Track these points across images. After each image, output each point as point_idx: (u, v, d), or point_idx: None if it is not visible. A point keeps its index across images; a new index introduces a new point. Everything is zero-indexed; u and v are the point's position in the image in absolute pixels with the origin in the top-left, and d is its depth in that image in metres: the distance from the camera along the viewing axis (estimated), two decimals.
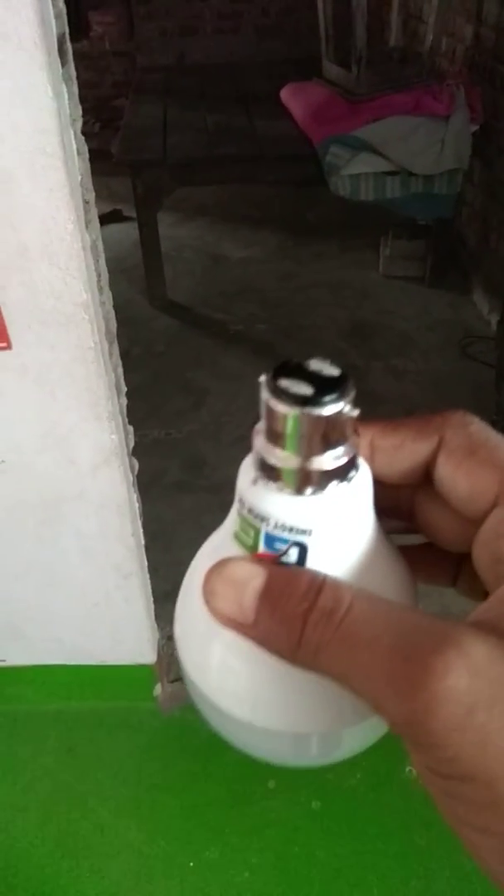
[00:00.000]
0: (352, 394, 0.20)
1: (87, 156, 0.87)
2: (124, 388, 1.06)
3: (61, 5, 0.78)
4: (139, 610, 1.25)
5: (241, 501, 0.22)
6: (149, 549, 1.23)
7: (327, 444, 0.20)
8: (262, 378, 0.20)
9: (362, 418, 0.21)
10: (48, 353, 0.93)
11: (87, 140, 0.86)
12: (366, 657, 0.18)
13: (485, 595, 0.22)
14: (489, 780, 0.17)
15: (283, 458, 0.21)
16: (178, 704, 1.37)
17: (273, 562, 0.21)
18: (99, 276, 0.93)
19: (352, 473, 0.21)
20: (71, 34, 0.82)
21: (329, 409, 0.20)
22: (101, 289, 0.94)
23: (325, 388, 0.20)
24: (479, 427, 0.23)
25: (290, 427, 0.20)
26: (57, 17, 0.76)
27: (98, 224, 0.92)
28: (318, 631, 0.19)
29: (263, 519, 0.21)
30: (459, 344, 2.52)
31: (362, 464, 0.22)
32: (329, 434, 0.20)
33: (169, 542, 1.54)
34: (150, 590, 1.26)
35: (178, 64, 4.41)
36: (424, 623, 0.19)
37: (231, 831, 1.22)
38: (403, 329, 2.65)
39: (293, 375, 0.20)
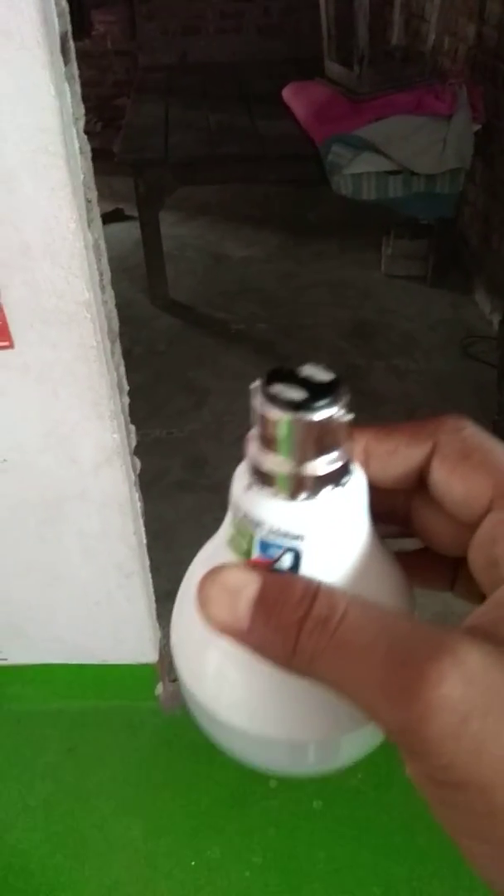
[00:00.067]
0: (344, 399, 0.20)
1: (89, 155, 0.87)
2: (126, 387, 1.06)
3: (64, 4, 0.78)
4: (141, 609, 1.25)
5: (236, 507, 0.22)
6: (150, 548, 1.23)
7: (320, 449, 0.20)
8: (255, 384, 0.20)
9: (356, 423, 0.22)
10: (50, 352, 0.93)
11: (88, 139, 0.86)
12: (360, 665, 0.18)
13: (482, 598, 0.22)
14: (484, 787, 0.17)
15: (277, 464, 0.21)
16: (179, 704, 1.37)
17: (267, 568, 0.21)
18: (101, 275, 0.92)
19: (345, 478, 0.21)
20: (73, 33, 0.81)
21: (321, 414, 0.20)
22: (103, 288, 0.94)
23: (317, 393, 0.20)
24: (472, 431, 0.23)
25: (282, 432, 0.20)
26: (59, 15, 0.76)
27: (100, 223, 0.92)
28: (313, 639, 0.19)
29: (257, 525, 0.21)
30: (461, 344, 2.52)
31: (356, 469, 0.22)
32: (322, 439, 0.20)
33: (170, 541, 1.54)
34: (151, 589, 1.26)
35: (180, 63, 4.41)
36: (419, 631, 0.19)
37: (232, 830, 1.22)
38: (405, 329, 2.65)
39: (286, 381, 0.20)
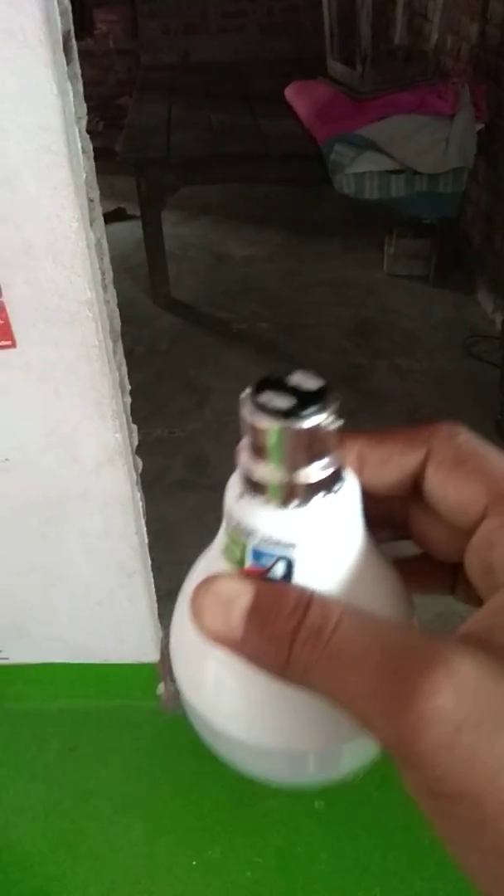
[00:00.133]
0: (333, 406, 0.20)
1: (91, 154, 0.87)
2: (128, 387, 1.06)
3: (66, 3, 0.78)
4: (142, 608, 1.25)
5: (229, 517, 0.22)
6: (152, 547, 1.23)
7: (310, 456, 0.20)
8: (244, 394, 0.20)
9: (350, 430, 0.21)
10: (52, 352, 0.93)
11: (91, 138, 0.86)
12: (353, 676, 0.18)
13: (482, 603, 0.22)
14: (477, 798, 0.17)
15: (267, 472, 0.21)
16: (180, 704, 1.37)
17: (260, 577, 0.21)
18: (103, 274, 0.92)
19: (337, 485, 0.21)
20: (75, 32, 0.81)
21: (310, 422, 0.20)
22: (105, 287, 0.94)
23: (305, 400, 0.20)
24: (466, 438, 0.23)
25: (271, 441, 0.20)
26: (62, 14, 0.76)
27: (102, 222, 0.92)
28: (307, 649, 0.19)
29: (250, 534, 0.21)
30: (464, 343, 2.52)
31: (349, 475, 0.22)
32: (312, 447, 0.20)
33: (172, 540, 1.54)
34: (153, 588, 1.26)
35: (183, 62, 4.41)
36: (412, 641, 0.19)
37: (234, 830, 1.22)
38: (407, 328, 2.64)
39: (275, 389, 0.20)
